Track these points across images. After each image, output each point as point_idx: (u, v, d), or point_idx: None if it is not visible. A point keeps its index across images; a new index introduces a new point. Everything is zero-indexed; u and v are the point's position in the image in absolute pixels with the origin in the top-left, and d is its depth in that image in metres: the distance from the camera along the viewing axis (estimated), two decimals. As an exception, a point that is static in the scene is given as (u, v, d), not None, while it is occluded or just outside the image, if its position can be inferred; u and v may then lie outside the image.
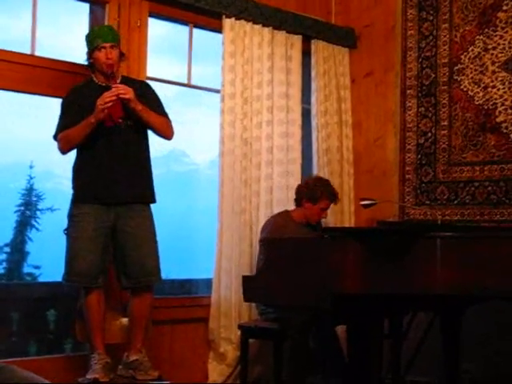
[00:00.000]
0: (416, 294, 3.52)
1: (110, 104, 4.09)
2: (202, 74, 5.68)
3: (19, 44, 4.72)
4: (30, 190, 7.43)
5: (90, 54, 4.35)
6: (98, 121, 4.13)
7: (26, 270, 7.26)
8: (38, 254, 7.20)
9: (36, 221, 7.48)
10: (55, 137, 4.32)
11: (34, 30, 4.73)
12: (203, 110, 5.85)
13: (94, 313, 4.28)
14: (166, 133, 4.41)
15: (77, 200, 4.29)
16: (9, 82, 4.59)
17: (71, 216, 4.29)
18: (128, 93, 4.15)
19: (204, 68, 5.77)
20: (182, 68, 5.37)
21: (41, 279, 7.09)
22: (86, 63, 4.42)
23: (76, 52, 5.04)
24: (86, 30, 5.04)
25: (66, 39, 5.31)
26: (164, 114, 4.43)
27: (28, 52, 4.70)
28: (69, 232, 4.28)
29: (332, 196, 5.13)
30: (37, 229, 7.44)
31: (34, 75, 4.65)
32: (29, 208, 7.48)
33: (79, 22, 5.09)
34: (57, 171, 7.72)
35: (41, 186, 7.48)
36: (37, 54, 4.72)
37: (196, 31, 5.50)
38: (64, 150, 4.29)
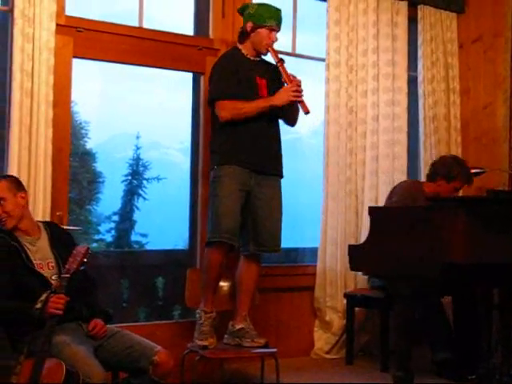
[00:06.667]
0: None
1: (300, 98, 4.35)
2: (307, 42, 5.65)
3: (127, 17, 4.81)
4: (136, 160, 7.61)
5: (252, 27, 4.43)
6: (276, 106, 4.36)
7: (134, 238, 7.46)
8: (144, 222, 7.38)
9: (143, 190, 7.66)
10: (214, 100, 4.36)
11: (141, 2, 4.80)
12: (308, 78, 5.83)
13: (216, 271, 4.29)
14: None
15: (221, 162, 4.33)
16: (118, 55, 4.69)
17: (217, 177, 4.31)
18: None
19: (308, 37, 5.74)
20: (286, 37, 5.35)
21: (147, 247, 7.27)
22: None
23: (182, 23, 5.10)
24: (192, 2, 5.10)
25: (173, 12, 5.38)
26: None
27: (136, 25, 4.78)
28: (215, 192, 4.31)
29: (468, 177, 5.02)
30: (144, 198, 7.62)
31: (141, 47, 4.73)
32: (136, 177, 7.66)
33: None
34: (163, 141, 7.87)
35: (147, 155, 7.64)
36: (144, 26, 4.80)
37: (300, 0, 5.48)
38: (228, 118, 4.30)
